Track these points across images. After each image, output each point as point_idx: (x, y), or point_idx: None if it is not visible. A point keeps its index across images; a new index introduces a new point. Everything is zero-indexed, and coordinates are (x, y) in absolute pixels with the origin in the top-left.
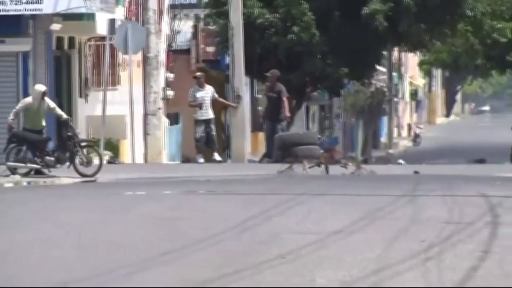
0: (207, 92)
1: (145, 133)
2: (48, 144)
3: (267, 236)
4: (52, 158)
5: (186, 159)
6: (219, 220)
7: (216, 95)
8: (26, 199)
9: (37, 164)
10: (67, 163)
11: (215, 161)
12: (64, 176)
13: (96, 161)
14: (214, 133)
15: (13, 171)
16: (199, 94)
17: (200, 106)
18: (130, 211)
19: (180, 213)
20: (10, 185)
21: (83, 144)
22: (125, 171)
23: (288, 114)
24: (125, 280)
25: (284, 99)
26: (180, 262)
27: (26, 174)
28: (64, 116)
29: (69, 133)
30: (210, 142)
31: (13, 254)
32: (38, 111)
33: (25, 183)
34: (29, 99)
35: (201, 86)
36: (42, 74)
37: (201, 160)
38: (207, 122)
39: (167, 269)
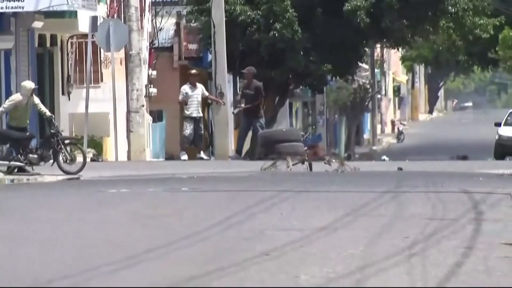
0: (198, 91)
1: (128, 131)
2: (32, 141)
3: (251, 233)
4: (35, 156)
5: (169, 157)
6: (203, 217)
7: (207, 93)
8: (8, 197)
9: (20, 162)
10: (51, 161)
11: (201, 159)
12: (47, 174)
13: (79, 158)
14: (202, 132)
15: None
16: (190, 92)
17: (186, 103)
18: (114, 208)
19: (164, 211)
20: None
21: (66, 141)
22: (109, 169)
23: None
24: (110, 277)
25: (260, 98)
26: (164, 259)
27: (9, 172)
28: (48, 113)
29: (53, 131)
30: (198, 141)
31: None
32: (26, 108)
33: (8, 181)
34: (18, 96)
35: (193, 85)
36: (24, 71)
37: (184, 157)
38: (196, 120)
39: (152, 266)
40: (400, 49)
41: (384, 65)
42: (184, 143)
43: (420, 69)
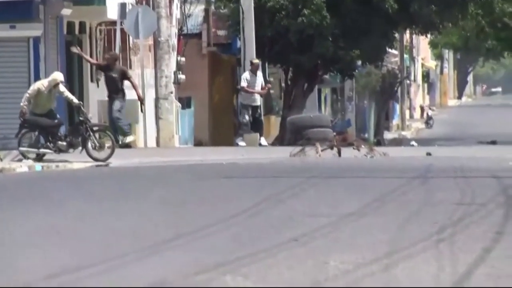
0: (258, 79)
1: (157, 117)
2: (60, 129)
3: (279, 219)
4: (64, 143)
5: (198, 143)
6: (231, 204)
7: (263, 84)
8: (35, 184)
9: (49, 149)
10: (80, 148)
11: (260, 145)
12: (76, 160)
13: (108, 145)
14: (262, 118)
15: (25, 156)
16: (252, 80)
17: (261, 93)
18: (142, 196)
19: (191, 198)
20: (24, 169)
21: (95, 128)
22: (138, 156)
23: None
24: (135, 265)
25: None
26: (192, 246)
27: (38, 159)
28: (75, 101)
29: (81, 118)
30: (259, 127)
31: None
32: (50, 95)
33: (38, 168)
34: (41, 84)
35: (254, 73)
36: (53, 59)
37: (243, 143)
38: (254, 108)
39: (179, 253)
40: (429, 35)
41: (413, 50)
42: (243, 130)
43: (449, 55)
